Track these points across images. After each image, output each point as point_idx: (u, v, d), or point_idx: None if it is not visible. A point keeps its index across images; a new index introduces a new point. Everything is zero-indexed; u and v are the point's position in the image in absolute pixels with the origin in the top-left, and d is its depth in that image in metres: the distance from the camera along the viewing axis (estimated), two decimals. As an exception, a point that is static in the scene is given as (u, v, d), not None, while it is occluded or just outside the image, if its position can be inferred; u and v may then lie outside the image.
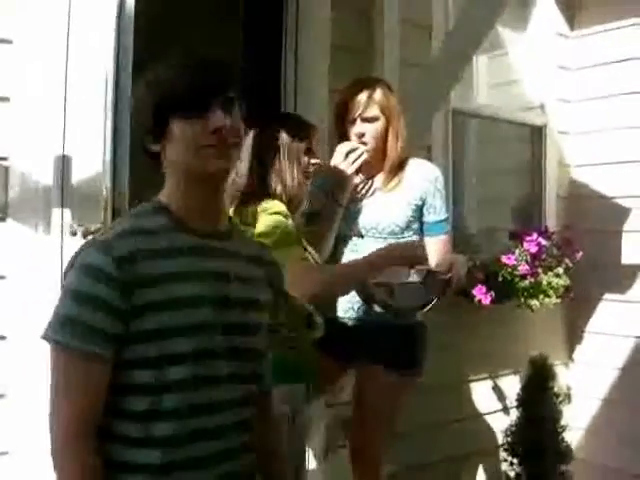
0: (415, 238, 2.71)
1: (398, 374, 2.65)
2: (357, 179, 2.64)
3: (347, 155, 2.53)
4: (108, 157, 2.35)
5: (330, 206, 2.53)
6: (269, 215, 2.13)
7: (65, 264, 2.31)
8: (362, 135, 2.63)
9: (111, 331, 1.35)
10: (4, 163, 2.36)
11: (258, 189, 2.20)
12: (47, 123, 2.38)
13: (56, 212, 2.37)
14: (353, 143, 2.60)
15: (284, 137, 2.22)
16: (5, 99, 2.37)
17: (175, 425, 1.38)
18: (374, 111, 2.64)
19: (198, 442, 1.41)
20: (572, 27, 4.43)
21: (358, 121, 2.64)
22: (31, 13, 2.37)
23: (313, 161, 2.27)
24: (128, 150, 2.39)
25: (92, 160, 2.40)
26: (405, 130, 2.69)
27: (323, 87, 3.18)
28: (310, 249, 2.28)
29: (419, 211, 2.71)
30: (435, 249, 2.69)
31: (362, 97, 2.63)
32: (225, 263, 1.51)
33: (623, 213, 4.17)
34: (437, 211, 2.72)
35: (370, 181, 2.72)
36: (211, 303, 1.44)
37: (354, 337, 2.71)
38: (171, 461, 1.38)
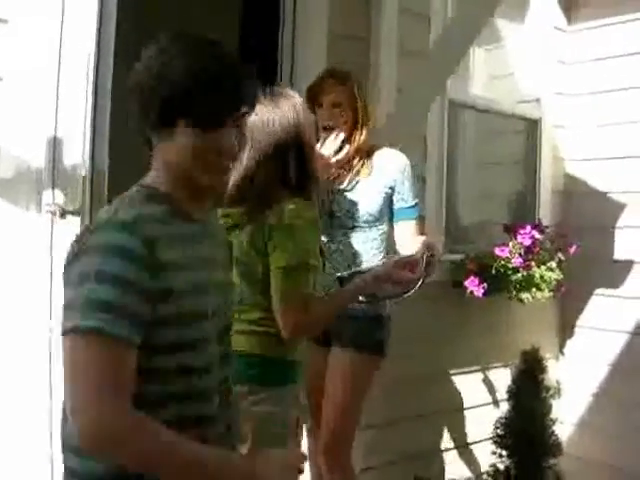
0: (386, 227, 2.82)
1: (366, 355, 2.78)
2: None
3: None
4: (88, 138, 2.35)
5: None
6: (304, 225, 2.03)
7: (54, 245, 2.29)
8: (328, 118, 2.71)
9: (141, 315, 1.26)
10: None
11: (273, 186, 2.05)
12: (39, 104, 2.36)
13: (47, 193, 2.35)
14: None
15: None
16: (-3, 78, 2.34)
17: (181, 409, 1.35)
18: (339, 97, 2.72)
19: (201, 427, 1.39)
20: (570, 21, 4.42)
21: (325, 106, 2.73)
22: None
23: None
24: (108, 131, 2.39)
25: (77, 141, 2.40)
26: (371, 122, 2.80)
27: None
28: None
29: (389, 199, 2.81)
30: (404, 233, 2.82)
31: (329, 83, 2.74)
32: (214, 249, 1.53)
33: (617, 209, 4.17)
34: (405, 198, 2.82)
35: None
36: (218, 288, 1.47)
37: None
38: None
